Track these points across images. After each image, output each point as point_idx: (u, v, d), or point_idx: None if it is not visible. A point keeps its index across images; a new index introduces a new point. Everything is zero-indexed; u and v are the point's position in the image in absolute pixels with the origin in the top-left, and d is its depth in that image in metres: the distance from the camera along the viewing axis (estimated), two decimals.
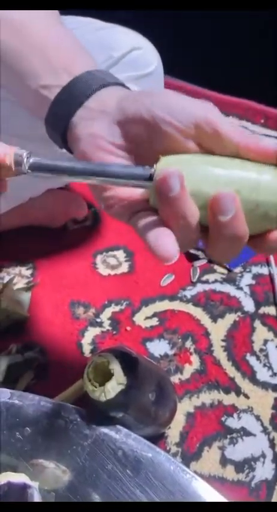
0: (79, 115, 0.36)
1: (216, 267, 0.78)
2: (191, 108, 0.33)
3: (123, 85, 0.38)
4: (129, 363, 0.45)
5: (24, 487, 0.38)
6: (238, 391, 0.62)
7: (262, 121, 1.11)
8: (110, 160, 0.35)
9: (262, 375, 0.64)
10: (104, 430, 0.45)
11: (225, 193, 0.31)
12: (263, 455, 0.56)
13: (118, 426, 0.46)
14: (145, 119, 0.34)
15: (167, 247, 0.31)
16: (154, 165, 0.34)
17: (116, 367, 0.44)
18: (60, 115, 0.37)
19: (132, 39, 0.62)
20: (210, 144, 0.34)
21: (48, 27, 0.41)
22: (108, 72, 0.39)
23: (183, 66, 1.10)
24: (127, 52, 0.60)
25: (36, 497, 0.39)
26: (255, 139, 0.33)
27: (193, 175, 0.33)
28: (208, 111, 0.33)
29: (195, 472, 0.44)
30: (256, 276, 0.77)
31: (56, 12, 0.44)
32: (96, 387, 0.45)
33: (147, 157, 0.35)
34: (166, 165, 0.33)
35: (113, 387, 0.44)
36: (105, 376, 0.45)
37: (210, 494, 0.43)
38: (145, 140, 0.35)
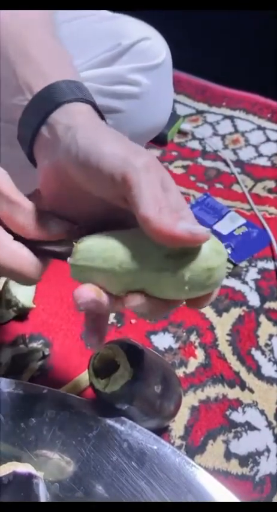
0: (42, 133, 0.37)
1: None
2: (112, 163, 0.32)
3: (88, 101, 0.38)
4: (135, 355, 0.45)
5: (30, 477, 0.38)
6: (243, 386, 0.62)
7: (269, 115, 1.10)
8: None
9: (267, 369, 0.64)
10: (109, 421, 0.45)
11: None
12: (267, 450, 0.56)
13: (123, 418, 0.45)
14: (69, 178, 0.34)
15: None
16: (74, 246, 0.35)
17: (122, 359, 0.44)
18: (24, 131, 0.38)
19: (141, 29, 0.61)
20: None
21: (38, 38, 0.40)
22: (76, 85, 0.38)
23: (189, 59, 1.09)
24: (136, 41, 0.59)
25: (41, 488, 0.39)
26: (170, 224, 0.30)
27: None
28: (128, 168, 0.31)
29: (199, 465, 0.44)
30: (261, 271, 0.76)
31: (51, 20, 0.43)
32: (101, 379, 0.44)
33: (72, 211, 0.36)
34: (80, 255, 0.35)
35: (119, 379, 0.43)
36: (111, 368, 0.45)
37: (215, 487, 0.43)
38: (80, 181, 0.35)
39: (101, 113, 0.39)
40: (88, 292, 0.34)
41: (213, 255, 0.33)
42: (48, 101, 0.37)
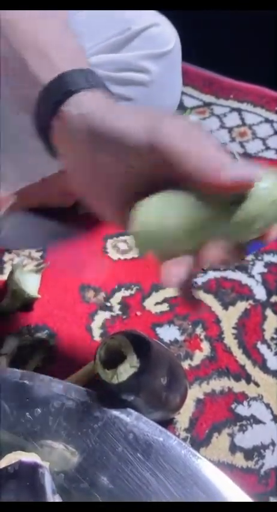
0: (54, 125, 0.36)
1: None
2: (139, 131, 0.32)
3: (103, 86, 0.37)
4: (142, 346, 0.45)
5: (36, 467, 0.38)
6: (248, 379, 0.61)
7: (276, 108, 1.09)
8: None
9: (273, 363, 0.63)
10: (115, 412, 0.45)
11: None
12: (273, 443, 0.56)
13: (129, 409, 0.45)
14: (109, 145, 0.33)
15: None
16: (131, 212, 0.34)
17: (128, 350, 0.44)
18: (38, 124, 0.38)
19: (151, 15, 0.60)
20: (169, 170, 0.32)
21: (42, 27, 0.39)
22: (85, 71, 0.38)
23: (196, 51, 1.08)
24: (146, 27, 0.58)
25: (47, 478, 0.38)
26: (224, 173, 0.31)
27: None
28: (154, 135, 0.31)
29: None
30: (268, 265, 0.76)
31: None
32: (108, 370, 0.44)
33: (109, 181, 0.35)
34: (143, 217, 0.34)
35: (126, 370, 0.43)
36: (117, 359, 0.44)
37: (220, 479, 0.42)
38: (109, 164, 0.34)
39: (113, 96, 0.38)
40: (176, 269, 0.33)
41: (273, 187, 0.33)
42: (59, 91, 0.36)
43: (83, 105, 0.35)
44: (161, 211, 0.34)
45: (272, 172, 0.34)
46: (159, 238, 0.34)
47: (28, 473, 0.37)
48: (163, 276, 0.33)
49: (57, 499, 0.39)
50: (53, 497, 0.38)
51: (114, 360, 0.44)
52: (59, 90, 0.36)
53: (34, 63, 0.37)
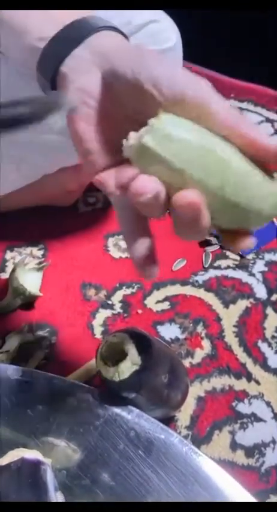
0: (67, 64, 0.35)
1: (228, 253, 0.77)
2: (181, 79, 0.31)
3: (116, 28, 0.36)
4: (144, 344, 0.45)
5: (38, 464, 0.38)
6: (249, 377, 0.61)
7: None
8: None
9: (274, 361, 0.63)
10: (116, 410, 0.45)
11: (191, 200, 0.30)
12: (273, 441, 0.56)
13: (130, 407, 0.45)
14: (130, 81, 0.32)
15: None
16: (151, 121, 0.31)
17: (130, 348, 0.44)
18: (48, 64, 0.36)
19: (152, 11, 0.59)
20: (197, 119, 0.31)
21: None
22: (100, 18, 0.37)
23: (197, 50, 1.08)
24: (146, 23, 0.57)
25: (49, 475, 0.39)
26: (257, 133, 0.30)
27: (190, 156, 0.31)
28: (197, 87, 0.31)
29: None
30: (269, 263, 0.76)
31: None
32: (109, 367, 0.44)
33: (129, 119, 0.34)
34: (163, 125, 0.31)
35: (127, 367, 0.43)
36: (119, 356, 0.44)
37: (221, 477, 0.42)
38: (129, 101, 0.33)
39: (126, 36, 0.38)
40: (154, 183, 0.30)
41: None
42: (86, 26, 0.35)
43: (108, 41, 0.35)
44: (187, 124, 0.31)
45: None
46: (164, 164, 0.30)
47: (30, 470, 0.37)
48: (134, 185, 0.30)
49: (59, 495, 0.39)
50: (55, 494, 0.38)
51: (115, 357, 0.45)
52: (82, 28, 0.35)
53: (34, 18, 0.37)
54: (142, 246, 0.35)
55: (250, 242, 0.34)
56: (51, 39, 0.36)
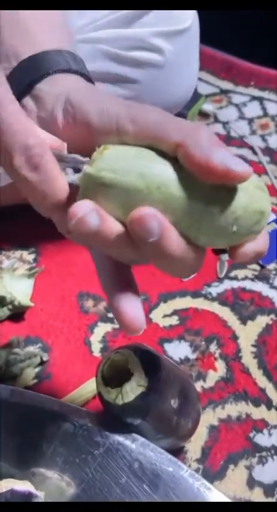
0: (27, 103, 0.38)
1: None
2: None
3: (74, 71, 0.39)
4: (151, 363, 0.45)
5: (29, 496, 0.38)
6: (269, 404, 0.62)
7: None
8: None
9: None
10: (119, 438, 0.45)
11: (147, 214, 0.30)
12: None
13: (134, 435, 0.45)
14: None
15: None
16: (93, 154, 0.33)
17: (135, 367, 0.44)
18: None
19: None
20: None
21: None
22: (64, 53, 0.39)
23: (214, 32, 1.09)
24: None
25: None
26: (204, 153, 0.30)
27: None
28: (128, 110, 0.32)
29: None
30: None
31: None
32: (111, 388, 0.44)
33: None
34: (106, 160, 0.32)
35: (132, 389, 0.43)
36: (122, 377, 0.44)
37: None
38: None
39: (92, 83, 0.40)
40: (88, 205, 0.31)
41: (262, 197, 0.33)
42: (33, 69, 0.38)
43: (62, 85, 0.37)
44: (137, 162, 0.32)
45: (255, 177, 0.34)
46: (111, 195, 0.32)
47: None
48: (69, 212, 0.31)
49: None
50: None
51: (118, 377, 0.44)
52: (37, 68, 0.38)
53: (12, 37, 0.39)
54: (123, 302, 0.36)
55: (250, 249, 0.34)
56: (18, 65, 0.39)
